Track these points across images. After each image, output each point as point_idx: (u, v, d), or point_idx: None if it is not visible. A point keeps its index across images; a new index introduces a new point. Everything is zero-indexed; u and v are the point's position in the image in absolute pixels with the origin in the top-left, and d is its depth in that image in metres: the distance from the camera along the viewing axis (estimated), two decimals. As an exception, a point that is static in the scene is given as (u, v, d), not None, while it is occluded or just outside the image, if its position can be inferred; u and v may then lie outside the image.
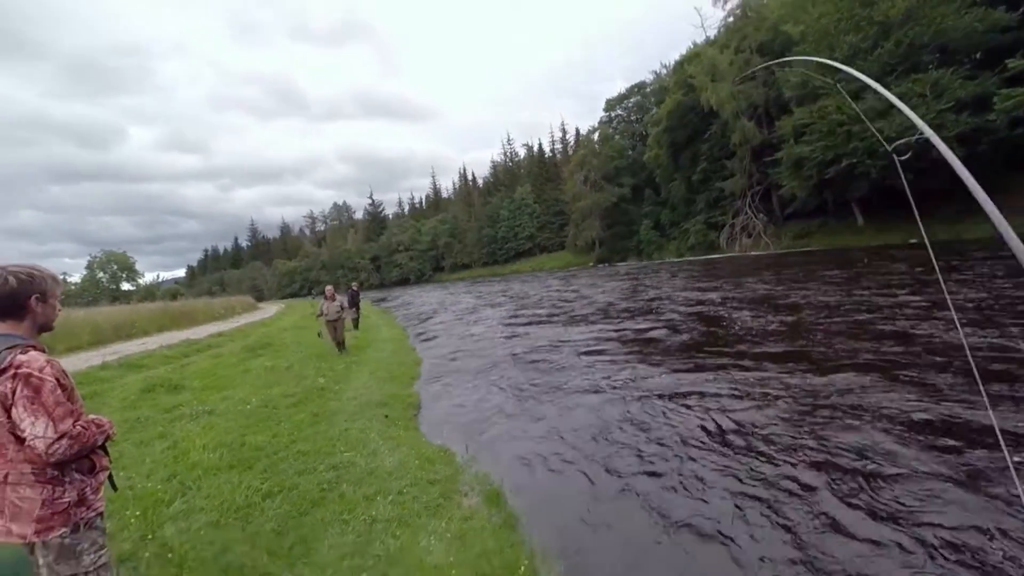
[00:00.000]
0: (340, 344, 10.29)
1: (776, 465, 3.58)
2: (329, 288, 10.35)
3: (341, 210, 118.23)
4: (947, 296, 2.74)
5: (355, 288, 15.99)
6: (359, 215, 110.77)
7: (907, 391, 4.57)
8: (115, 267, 60.02)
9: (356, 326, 15.20)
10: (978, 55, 24.52)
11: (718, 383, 5.55)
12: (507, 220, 74.39)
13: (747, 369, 5.92)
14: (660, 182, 48.39)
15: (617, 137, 60.26)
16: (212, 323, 23.38)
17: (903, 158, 1.84)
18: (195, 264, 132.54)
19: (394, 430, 5.19)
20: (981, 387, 2.14)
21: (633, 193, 54.05)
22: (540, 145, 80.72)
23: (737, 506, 3.17)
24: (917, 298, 8.76)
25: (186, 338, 15.00)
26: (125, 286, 60.32)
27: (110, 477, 1.86)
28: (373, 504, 3.47)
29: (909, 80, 23.35)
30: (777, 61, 4.00)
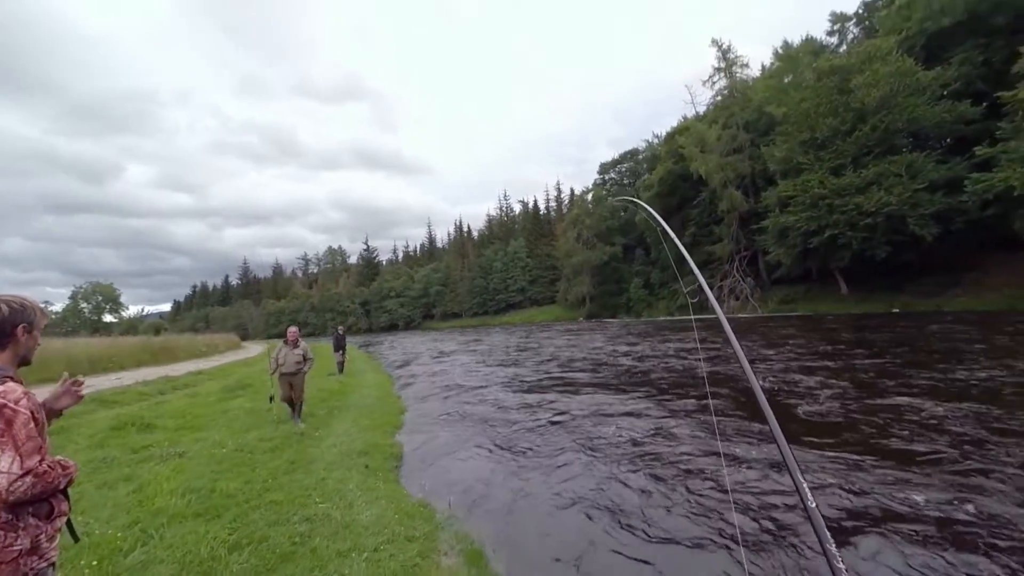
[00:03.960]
0: (297, 409, 7.67)
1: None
2: (292, 330, 7.70)
3: (335, 254, 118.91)
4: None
5: (341, 331, 15.80)
6: (353, 260, 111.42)
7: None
8: (100, 298, 59.04)
9: (341, 370, 14.90)
10: (948, 140, 26.31)
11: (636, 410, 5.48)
12: (500, 272, 75.15)
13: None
14: (651, 244, 49.70)
15: (611, 199, 62.39)
16: (193, 360, 22.78)
17: (694, 300, 2.32)
18: (182, 300, 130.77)
19: (373, 481, 4.99)
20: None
21: (624, 252, 55.32)
22: (535, 202, 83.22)
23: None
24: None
25: (164, 374, 14.56)
26: (108, 318, 59.11)
27: (70, 525, 1.74)
28: (347, 561, 3.28)
29: (885, 161, 24.82)
30: (624, 199, 4.25)
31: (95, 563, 3.12)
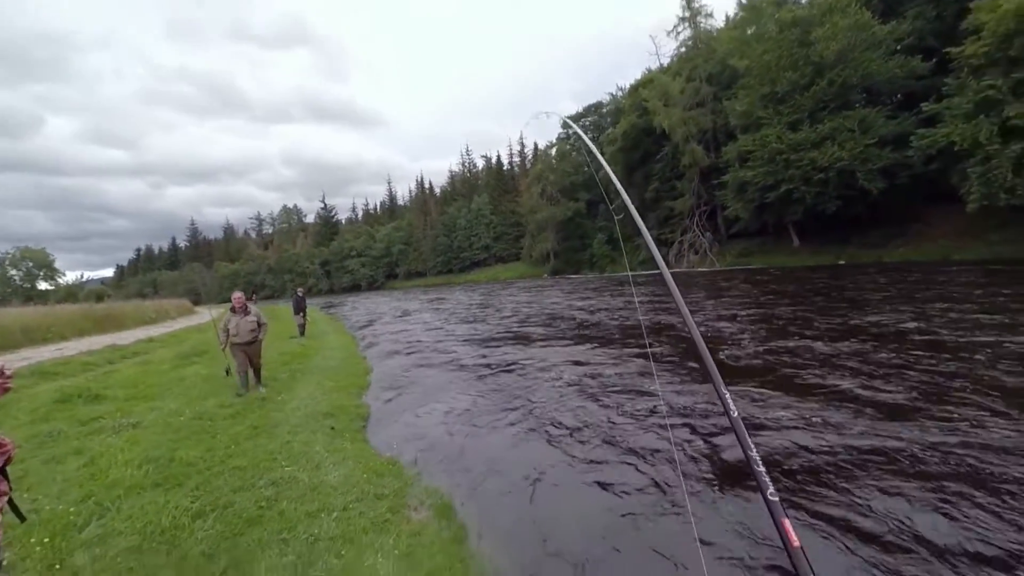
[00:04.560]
0: (256, 374, 7.21)
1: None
2: (237, 296, 7.01)
3: (291, 213, 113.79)
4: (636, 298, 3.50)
5: (300, 293, 15.34)
6: (311, 219, 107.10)
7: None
8: (31, 264, 54.80)
9: (302, 333, 14.57)
10: (899, 96, 27.11)
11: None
12: (464, 229, 74.18)
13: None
14: (613, 198, 49.88)
15: (574, 154, 61.75)
16: (142, 327, 21.72)
17: (619, 217, 2.50)
18: (125, 264, 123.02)
19: (341, 442, 4.97)
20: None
21: (588, 208, 55.45)
22: (499, 157, 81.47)
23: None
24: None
25: (111, 343, 13.83)
26: (43, 285, 55.16)
27: (14, 506, 1.63)
28: (316, 521, 3.28)
29: (840, 116, 25.45)
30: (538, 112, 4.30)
31: (47, 540, 3.00)
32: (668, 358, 7.57)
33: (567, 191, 56.31)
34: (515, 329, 12.70)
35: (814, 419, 4.48)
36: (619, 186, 2.50)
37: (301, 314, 14.80)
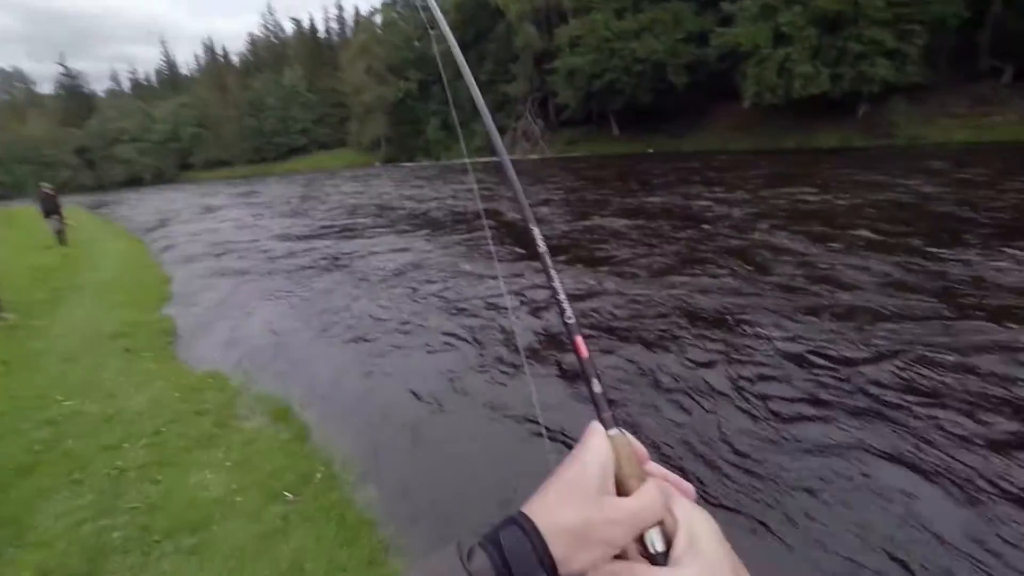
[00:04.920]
0: None
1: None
2: None
3: (11, 79, 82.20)
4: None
5: (49, 191, 11.68)
6: (47, 89, 79.06)
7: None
8: None
9: (62, 241, 11.42)
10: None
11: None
12: (275, 109, 62.94)
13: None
14: (449, 79, 47.01)
15: (402, 24, 54.89)
16: None
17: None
18: None
19: (141, 363, 4.24)
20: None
21: (420, 89, 51.28)
22: (312, 22, 69.28)
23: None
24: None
25: None
26: None
27: None
28: (119, 453, 2.84)
29: (659, 8, 26.84)
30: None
31: None
32: (504, 242, 8.01)
33: (396, 69, 50.75)
34: (342, 222, 12.07)
35: (605, 283, 5.43)
36: (462, 62, 2.20)
37: (56, 217, 11.44)
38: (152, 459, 2.77)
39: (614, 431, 0.35)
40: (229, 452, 2.83)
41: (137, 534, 2.22)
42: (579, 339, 0.39)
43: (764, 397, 3.08)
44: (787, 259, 5.64)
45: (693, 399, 3.15)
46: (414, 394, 3.53)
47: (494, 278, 5.87)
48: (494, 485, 2.61)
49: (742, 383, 3.25)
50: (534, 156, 36.04)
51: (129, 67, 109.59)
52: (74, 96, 75.14)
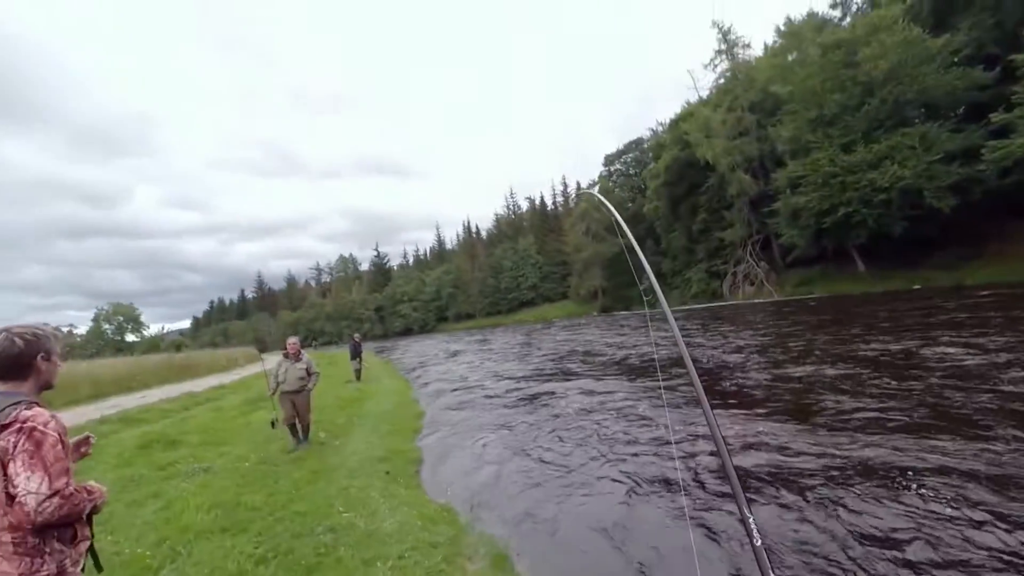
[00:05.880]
0: (303, 430, 6.76)
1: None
2: (292, 341, 6.95)
3: (347, 262, 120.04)
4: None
5: (357, 339, 15.92)
6: (365, 267, 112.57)
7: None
8: (121, 319, 60.42)
9: (359, 378, 15.02)
10: (961, 110, 25.56)
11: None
12: (510, 270, 75.21)
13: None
14: (660, 233, 49.40)
15: (617, 190, 62.05)
16: (214, 375, 23.14)
17: (648, 298, 2.70)
18: (200, 316, 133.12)
19: (395, 487, 5.00)
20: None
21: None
22: (542, 198, 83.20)
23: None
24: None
25: (187, 391, 14.81)
26: (130, 337, 60.47)
27: (93, 552, 1.74)
28: (372, 570, 3.28)
29: (898, 134, 24.22)
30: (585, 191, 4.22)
31: (126, 583, 3.17)
32: (682, 389, 7.96)
33: (612, 228, 56.05)
34: (551, 367, 13.22)
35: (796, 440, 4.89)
36: (630, 238, 2.67)
37: (357, 359, 15.32)
38: (395, 582, 3.13)
39: None
40: (453, 591, 2.99)
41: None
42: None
43: None
44: None
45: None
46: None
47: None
48: None
49: None
50: (759, 299, 33.21)
51: (414, 247, 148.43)
52: (380, 271, 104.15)
